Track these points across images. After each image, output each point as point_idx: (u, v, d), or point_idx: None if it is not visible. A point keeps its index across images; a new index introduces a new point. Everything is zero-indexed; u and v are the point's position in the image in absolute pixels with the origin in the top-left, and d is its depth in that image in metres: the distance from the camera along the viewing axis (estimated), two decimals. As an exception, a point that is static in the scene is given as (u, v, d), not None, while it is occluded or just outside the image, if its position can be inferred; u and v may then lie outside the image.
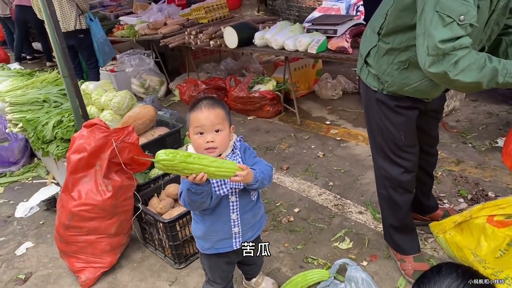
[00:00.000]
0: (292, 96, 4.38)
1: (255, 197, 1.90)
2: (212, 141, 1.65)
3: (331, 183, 3.24)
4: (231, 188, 1.75)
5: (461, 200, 2.81)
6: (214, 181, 1.71)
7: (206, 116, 1.65)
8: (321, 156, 3.66)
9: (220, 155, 1.71)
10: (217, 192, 1.72)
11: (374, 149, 2.21)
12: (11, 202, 3.69)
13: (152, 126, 3.39)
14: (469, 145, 3.44)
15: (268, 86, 4.56)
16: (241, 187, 1.77)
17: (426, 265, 2.28)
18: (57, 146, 3.28)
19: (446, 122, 3.81)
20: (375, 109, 2.05)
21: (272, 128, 4.36)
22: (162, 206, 2.71)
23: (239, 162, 1.76)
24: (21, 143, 4.23)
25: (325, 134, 4.05)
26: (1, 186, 3.95)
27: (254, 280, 2.28)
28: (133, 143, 2.59)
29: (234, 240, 1.87)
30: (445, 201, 2.81)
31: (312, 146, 3.86)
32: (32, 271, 2.78)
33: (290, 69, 4.42)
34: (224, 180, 1.73)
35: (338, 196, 3.07)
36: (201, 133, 1.66)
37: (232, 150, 1.78)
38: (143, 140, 3.18)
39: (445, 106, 3.90)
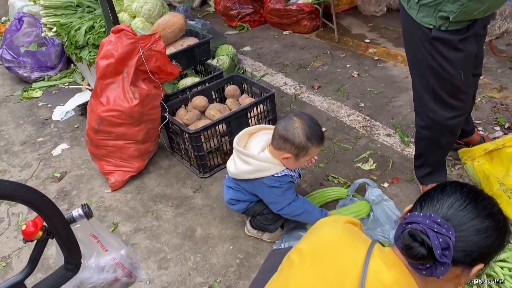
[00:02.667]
0: (332, 11, 4.13)
1: None
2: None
3: (362, 104, 3.14)
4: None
5: (497, 128, 2.67)
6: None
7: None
8: (355, 76, 3.52)
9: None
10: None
11: (423, 92, 1.99)
12: (48, 105, 3.83)
13: (182, 36, 3.32)
14: (517, 71, 3.20)
15: (306, -1, 4.31)
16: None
17: None
18: (89, 52, 3.31)
19: (495, 45, 3.53)
20: (428, 49, 1.81)
21: (308, 44, 4.19)
22: (189, 117, 2.73)
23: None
24: (58, 48, 4.28)
25: (363, 53, 3.86)
26: (40, 90, 4.09)
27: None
28: (160, 51, 2.56)
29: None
30: (480, 128, 2.69)
31: (348, 65, 3.71)
32: (66, 171, 2.94)
33: (332, -20, 4.13)
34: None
35: (368, 118, 2.99)
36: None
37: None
38: (171, 50, 3.14)
39: (496, 28, 3.60)
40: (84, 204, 1.24)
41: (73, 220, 1.23)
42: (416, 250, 0.95)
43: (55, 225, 1.15)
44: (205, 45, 3.24)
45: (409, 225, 0.99)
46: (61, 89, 4.11)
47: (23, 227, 1.14)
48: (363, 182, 2.34)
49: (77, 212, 1.23)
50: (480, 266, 0.99)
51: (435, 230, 0.94)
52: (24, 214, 2.64)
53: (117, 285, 1.39)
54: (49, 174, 2.94)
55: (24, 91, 4.11)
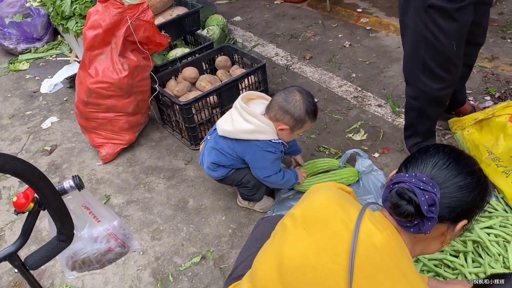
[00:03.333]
0: (324, -21, 4.06)
1: None
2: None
3: (354, 75, 3.13)
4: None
5: (488, 98, 2.68)
6: None
7: None
8: (347, 46, 3.49)
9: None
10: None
11: (413, 63, 2.00)
12: (36, 78, 3.77)
13: (170, 5, 3.25)
14: (508, 40, 3.18)
15: (298, -33, 4.22)
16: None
17: None
18: (76, 22, 3.23)
19: (488, 14, 3.49)
20: (422, 18, 1.80)
21: (300, 14, 4.12)
22: (179, 88, 2.70)
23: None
24: (44, 19, 4.18)
25: (355, 23, 3.82)
26: (27, 62, 4.01)
27: None
28: (149, 21, 2.51)
29: None
30: (471, 98, 2.70)
31: (340, 35, 3.67)
32: (57, 144, 2.92)
33: None
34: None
35: (359, 88, 2.98)
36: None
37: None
38: (160, 20, 3.08)
39: (489, -4, 3.56)
40: (75, 175, 1.24)
41: (65, 191, 1.23)
42: (404, 208, 0.97)
43: (46, 196, 1.15)
44: (194, 14, 3.18)
45: (396, 185, 1.01)
46: (48, 61, 4.03)
47: (14, 199, 1.14)
48: (354, 152, 2.36)
49: (68, 183, 1.22)
50: (463, 222, 1.02)
51: (421, 187, 0.96)
52: (15, 188, 2.63)
53: (110, 255, 1.41)
54: (39, 147, 2.92)
55: (11, 63, 4.03)
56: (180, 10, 3.20)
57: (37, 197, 1.16)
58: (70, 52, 4.04)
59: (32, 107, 3.37)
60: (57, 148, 2.89)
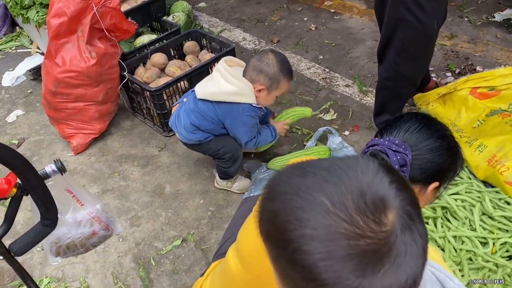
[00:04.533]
0: (286, -36, 4.09)
1: None
2: None
3: (321, 57, 3.19)
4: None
5: (449, 74, 2.81)
6: None
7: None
8: (313, 29, 3.55)
9: None
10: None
11: (389, 46, 2.07)
12: (-4, 71, 3.64)
13: (135, -8, 3.20)
14: (465, 19, 3.32)
15: (260, -48, 4.22)
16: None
17: None
18: (37, 12, 3.13)
19: (446, -5, 3.63)
20: (404, 1, 1.87)
21: (264, -1, 4.15)
22: (148, 75, 2.69)
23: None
24: (0, 10, 4.03)
25: (319, 6, 3.88)
26: (-15, 55, 3.86)
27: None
28: (115, 8, 2.47)
29: None
30: (433, 75, 2.81)
31: (305, 19, 3.72)
32: (24, 137, 2.85)
33: None
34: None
35: (327, 70, 3.05)
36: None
37: None
38: (125, 7, 3.03)
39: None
40: (57, 159, 1.23)
41: (47, 176, 1.22)
42: None
43: (29, 181, 1.14)
44: (160, 1, 3.15)
45: (371, 148, 1.07)
46: (8, 54, 3.90)
47: (-5, 185, 1.13)
48: (326, 130, 2.43)
49: (50, 167, 1.22)
50: (435, 184, 1.09)
51: (393, 149, 1.03)
52: (-17, 183, 2.56)
53: (94, 239, 1.41)
54: (5, 141, 2.84)
55: (-33, 57, 3.87)
56: (144, -3, 3.16)
57: (19, 182, 1.15)
58: (31, 44, 3.92)
59: (-5, 101, 3.27)
60: (25, 141, 2.82)
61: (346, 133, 2.52)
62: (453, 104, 2.34)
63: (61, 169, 1.24)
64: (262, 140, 2.12)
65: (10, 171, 1.14)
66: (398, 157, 1.03)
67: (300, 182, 0.59)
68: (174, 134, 2.66)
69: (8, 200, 1.19)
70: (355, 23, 3.54)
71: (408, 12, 1.88)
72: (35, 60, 3.66)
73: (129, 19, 2.65)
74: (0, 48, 3.96)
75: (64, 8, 2.39)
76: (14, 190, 1.15)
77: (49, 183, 1.26)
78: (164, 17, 3.24)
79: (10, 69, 3.61)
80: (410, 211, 0.57)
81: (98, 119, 2.67)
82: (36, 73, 3.40)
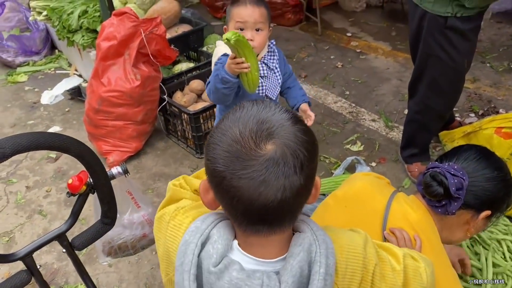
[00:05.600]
0: (315, 5, 4.31)
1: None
2: (252, 40, 1.66)
3: (347, 92, 3.33)
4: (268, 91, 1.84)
5: (472, 115, 2.91)
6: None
7: (250, 13, 1.64)
8: (339, 66, 3.71)
9: (257, 55, 1.73)
10: (257, 92, 1.79)
11: (421, 80, 2.18)
12: (36, 89, 3.83)
13: (175, 23, 3.41)
14: (487, 65, 3.47)
15: (291, -7, 4.46)
16: (279, 89, 1.88)
17: None
18: (83, 36, 3.34)
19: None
20: (437, 39, 1.99)
21: (293, 37, 4.35)
22: (186, 99, 2.83)
23: (277, 63, 1.85)
24: (42, 33, 4.27)
25: (346, 46, 4.06)
26: (25, 74, 4.07)
27: None
28: (161, 35, 2.65)
29: None
30: (457, 115, 2.92)
31: (332, 57, 3.89)
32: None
33: (315, -24, 4.31)
34: (262, 83, 1.81)
35: (353, 104, 3.18)
36: (241, 29, 1.67)
37: (269, 51, 1.84)
38: (167, 36, 3.22)
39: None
40: (122, 162, 1.34)
41: (113, 176, 1.34)
42: (434, 188, 1.13)
43: (99, 180, 1.25)
44: (199, 32, 3.34)
45: (431, 169, 1.17)
46: (47, 74, 4.10)
47: (69, 181, 1.24)
48: (354, 159, 2.52)
49: (116, 169, 1.33)
50: (487, 212, 1.17)
51: (452, 173, 1.12)
52: (22, 193, 2.67)
53: (144, 241, 1.50)
54: (44, 155, 2.97)
55: (9, 75, 4.08)
56: (184, 28, 3.35)
57: (89, 181, 1.26)
58: (69, 66, 4.13)
59: (34, 117, 3.43)
60: (62, 155, 2.95)
61: (373, 164, 2.61)
62: (478, 142, 2.43)
63: (126, 171, 1.35)
64: (211, 85, 1.72)
65: (82, 170, 1.26)
66: (456, 180, 1.11)
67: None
68: (206, 156, 2.78)
69: (76, 196, 1.30)
70: (380, 63, 3.69)
71: (440, 49, 2.01)
72: (73, 81, 3.85)
73: (172, 47, 2.82)
74: (40, 68, 4.17)
75: (115, 32, 2.57)
76: (84, 187, 1.26)
77: (113, 183, 1.37)
78: (201, 48, 3.42)
79: (49, 88, 3.80)
80: (294, 149, 0.70)
81: (135, 138, 2.80)
82: (74, 93, 3.58)
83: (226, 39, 1.45)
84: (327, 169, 2.61)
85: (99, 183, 1.26)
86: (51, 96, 3.67)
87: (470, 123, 2.78)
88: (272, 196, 0.68)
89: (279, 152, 0.69)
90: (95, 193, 1.29)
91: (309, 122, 1.94)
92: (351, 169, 2.55)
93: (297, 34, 4.41)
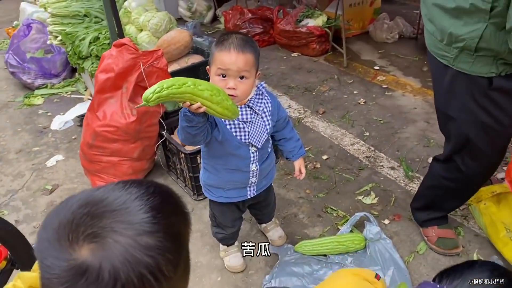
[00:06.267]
0: (342, 35, 4.07)
1: (271, 145, 1.79)
2: (234, 89, 1.48)
3: (367, 133, 3.05)
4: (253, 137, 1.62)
5: (505, 168, 2.56)
6: (234, 126, 1.59)
7: (233, 60, 1.45)
8: (362, 103, 3.44)
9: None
10: (239, 138, 1.60)
11: (459, 148, 1.82)
12: (48, 114, 3.78)
13: (188, 53, 3.26)
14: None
15: (317, 22, 4.26)
16: (267, 137, 1.67)
17: (452, 232, 2.12)
18: (92, 63, 3.26)
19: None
20: (481, 103, 1.64)
21: (316, 68, 4.12)
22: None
23: (266, 107, 1.65)
24: (63, 56, 4.25)
25: (371, 80, 3.79)
26: (42, 97, 4.04)
27: (264, 225, 2.23)
28: (162, 69, 2.50)
29: (248, 189, 1.79)
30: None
31: (355, 92, 3.63)
32: (58, 184, 2.86)
33: (345, 4, 4.08)
34: (244, 128, 1.60)
35: (372, 148, 2.89)
36: (223, 76, 1.48)
37: (257, 94, 1.64)
38: (175, 67, 3.08)
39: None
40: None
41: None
42: None
43: (20, 255, 1.07)
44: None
45: None
46: (63, 98, 4.06)
47: (-14, 257, 1.06)
48: (364, 215, 2.24)
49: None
50: None
51: None
52: (10, 227, 2.55)
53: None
54: (40, 186, 2.86)
55: (26, 97, 4.07)
56: (196, 58, 3.20)
57: (9, 255, 1.07)
58: (85, 90, 4.07)
59: (40, 143, 3.35)
60: (58, 188, 2.83)
61: (386, 221, 2.31)
62: (508, 205, 2.10)
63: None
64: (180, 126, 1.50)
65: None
66: None
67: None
68: (203, 199, 2.57)
69: (-2, 272, 1.12)
70: (407, 102, 3.39)
71: (486, 113, 1.65)
72: (86, 106, 3.76)
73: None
74: (57, 91, 4.14)
75: (112, 64, 2.43)
76: (4, 262, 1.08)
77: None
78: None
79: (61, 113, 3.74)
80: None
81: (131, 175, 2.63)
82: (83, 120, 3.49)
83: (143, 99, 1.22)
84: (333, 223, 2.33)
85: (20, 259, 1.07)
86: (61, 121, 3.60)
87: (503, 179, 2.44)
88: None
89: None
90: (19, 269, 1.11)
91: (298, 177, 1.90)
92: (359, 226, 2.26)
93: (321, 65, 4.17)
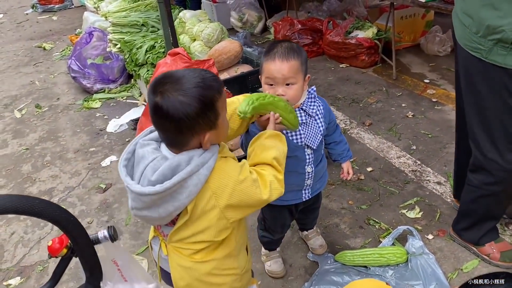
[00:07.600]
0: (393, 47, 4.04)
1: (323, 149, 1.85)
2: (283, 95, 1.55)
3: (414, 147, 3.01)
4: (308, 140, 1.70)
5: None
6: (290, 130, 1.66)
7: (278, 69, 1.53)
8: (410, 116, 3.39)
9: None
10: (295, 142, 1.67)
11: (495, 143, 1.80)
12: (105, 117, 4.00)
13: (237, 62, 3.36)
14: None
15: (367, 33, 4.25)
16: (321, 138, 1.74)
17: (507, 243, 2.06)
18: (147, 70, 3.43)
19: None
20: None
21: (364, 79, 4.11)
22: (233, 143, 2.73)
23: (318, 110, 1.72)
24: (121, 63, 4.48)
25: (421, 94, 3.73)
26: (99, 101, 4.28)
27: (306, 232, 2.26)
28: (212, 77, 2.60)
29: (304, 192, 1.83)
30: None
31: (403, 104, 3.59)
32: (112, 183, 3.03)
33: (396, 16, 4.05)
34: (300, 130, 1.68)
35: (418, 162, 2.85)
36: (271, 85, 1.57)
37: (309, 97, 1.70)
38: (225, 75, 3.19)
39: None
40: (110, 226, 1.25)
41: (98, 241, 1.24)
42: None
43: (79, 245, 1.16)
44: (257, 73, 3.25)
45: None
46: (118, 102, 4.28)
47: (49, 243, 1.17)
48: (407, 229, 2.22)
49: (102, 233, 1.23)
50: None
51: None
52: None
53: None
54: (95, 184, 3.04)
55: (85, 101, 4.32)
56: (245, 68, 3.30)
57: (70, 243, 1.17)
58: (140, 96, 4.27)
59: (96, 144, 3.56)
60: (111, 187, 2.99)
61: (430, 236, 2.27)
62: None
63: (113, 237, 1.25)
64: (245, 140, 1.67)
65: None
66: None
67: None
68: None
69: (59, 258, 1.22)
70: (457, 116, 3.31)
71: None
72: (140, 111, 3.96)
73: (225, 89, 2.75)
74: (113, 96, 4.37)
75: (166, 72, 2.56)
76: (65, 250, 1.18)
77: (100, 248, 1.27)
78: (260, 89, 3.33)
79: (117, 117, 3.94)
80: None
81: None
82: (137, 123, 3.67)
83: (240, 113, 1.33)
84: (374, 236, 2.32)
85: (80, 249, 1.17)
86: (116, 124, 3.80)
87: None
88: None
89: None
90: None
91: (346, 177, 1.95)
92: (402, 240, 2.24)
93: (369, 76, 4.16)
